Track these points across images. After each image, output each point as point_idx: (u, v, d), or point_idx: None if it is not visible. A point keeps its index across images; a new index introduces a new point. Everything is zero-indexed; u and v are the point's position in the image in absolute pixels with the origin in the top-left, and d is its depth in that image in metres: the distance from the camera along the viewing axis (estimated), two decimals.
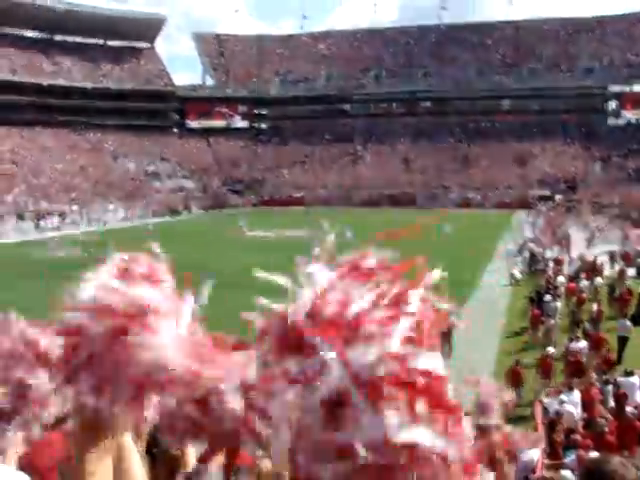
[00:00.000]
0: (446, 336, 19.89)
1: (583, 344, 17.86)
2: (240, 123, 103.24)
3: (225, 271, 34.15)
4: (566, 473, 8.57)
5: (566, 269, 30.88)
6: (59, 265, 37.53)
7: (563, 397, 13.29)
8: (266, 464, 3.07)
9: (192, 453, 2.96)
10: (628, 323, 19.90)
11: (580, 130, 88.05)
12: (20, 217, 60.91)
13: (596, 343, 18.35)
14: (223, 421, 1.42)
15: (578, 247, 38.30)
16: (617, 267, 31.21)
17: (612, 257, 34.46)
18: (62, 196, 69.33)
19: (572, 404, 13.01)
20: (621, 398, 13.38)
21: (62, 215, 64.47)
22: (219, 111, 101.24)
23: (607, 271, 30.83)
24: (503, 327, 23.49)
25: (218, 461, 2.82)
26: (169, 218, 70.98)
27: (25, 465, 2.29)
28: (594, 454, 8.91)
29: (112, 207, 70.69)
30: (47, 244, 44.65)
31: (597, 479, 2.63)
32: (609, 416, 12.37)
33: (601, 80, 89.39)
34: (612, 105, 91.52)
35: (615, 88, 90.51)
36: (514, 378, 15.91)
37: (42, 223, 60.95)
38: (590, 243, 40.51)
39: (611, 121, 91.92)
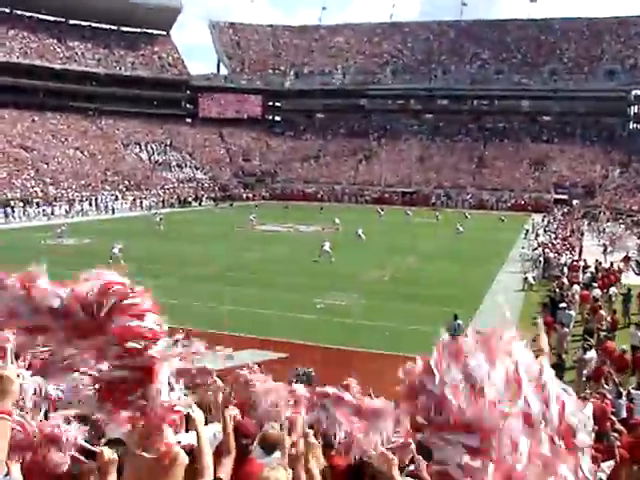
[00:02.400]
0: None
1: (593, 354, 17.35)
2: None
3: (233, 265, 33.48)
4: None
5: (580, 276, 30.10)
6: (68, 252, 37.04)
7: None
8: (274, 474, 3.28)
9: (210, 462, 3.24)
10: None
11: (600, 134, 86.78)
12: (28, 203, 60.33)
13: (606, 353, 17.86)
14: None
15: (594, 253, 37.51)
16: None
17: (626, 260, 34.33)
18: (71, 183, 68.82)
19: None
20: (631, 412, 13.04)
21: (71, 202, 63.90)
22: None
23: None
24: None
25: None
26: (179, 208, 70.45)
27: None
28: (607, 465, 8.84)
29: (121, 195, 70.18)
30: (55, 231, 44.11)
31: None
32: (623, 429, 11.64)
33: (623, 83, 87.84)
34: (634, 109, 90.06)
35: (638, 92, 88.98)
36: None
37: (50, 209, 60.41)
38: (607, 250, 39.59)
39: (632, 125, 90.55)
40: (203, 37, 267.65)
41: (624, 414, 13.06)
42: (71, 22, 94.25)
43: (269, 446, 4.72)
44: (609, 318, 21.96)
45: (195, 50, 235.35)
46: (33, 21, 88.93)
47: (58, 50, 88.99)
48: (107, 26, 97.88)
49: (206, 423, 4.39)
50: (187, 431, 5.04)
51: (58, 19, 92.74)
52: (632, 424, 12.22)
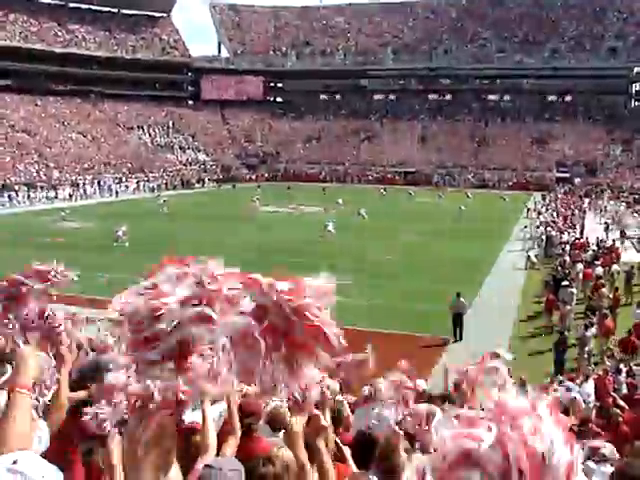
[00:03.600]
0: (457, 320, 19.49)
1: (593, 331, 17.81)
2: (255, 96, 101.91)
3: (238, 247, 33.68)
4: (589, 462, 8.28)
5: (582, 254, 30.37)
6: (74, 235, 37.36)
7: (570, 385, 13.07)
8: (283, 452, 3.21)
9: (213, 439, 3.36)
10: None
11: (602, 112, 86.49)
12: (32, 187, 60.51)
13: (606, 330, 18.30)
14: None
15: (596, 231, 37.80)
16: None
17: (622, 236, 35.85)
18: (75, 166, 68.96)
19: (581, 392, 12.76)
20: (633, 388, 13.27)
21: (74, 185, 64.08)
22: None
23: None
24: (517, 311, 23.02)
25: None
26: (182, 191, 70.59)
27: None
28: (608, 444, 8.64)
29: (125, 178, 70.31)
30: (60, 214, 44.42)
31: None
32: (625, 405, 11.95)
33: (625, 60, 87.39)
34: (636, 87, 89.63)
35: None
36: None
37: (54, 193, 60.62)
38: (609, 228, 39.80)
39: (635, 103, 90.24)
40: (204, 19, 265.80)
41: (624, 390, 13.35)
42: (71, 5, 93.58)
43: (276, 424, 4.74)
44: (611, 295, 22.24)
45: (196, 32, 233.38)
46: (33, 5, 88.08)
47: (59, 34, 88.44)
48: (107, 9, 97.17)
49: (213, 402, 4.53)
50: (193, 410, 5.18)
51: (58, 2, 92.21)
52: (635, 400, 12.52)
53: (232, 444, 3.80)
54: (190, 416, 4.47)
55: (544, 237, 35.15)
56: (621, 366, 14.66)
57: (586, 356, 17.29)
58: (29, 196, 58.34)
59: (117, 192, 65.34)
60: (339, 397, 6.58)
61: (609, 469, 8.04)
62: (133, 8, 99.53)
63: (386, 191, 65.53)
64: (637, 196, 58.24)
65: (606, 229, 39.35)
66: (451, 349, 18.52)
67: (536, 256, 31.32)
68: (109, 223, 38.91)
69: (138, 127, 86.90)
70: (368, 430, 4.61)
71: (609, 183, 68.28)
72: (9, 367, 3.96)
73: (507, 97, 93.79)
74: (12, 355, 3.05)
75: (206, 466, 2.78)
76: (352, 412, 6.63)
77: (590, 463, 8.32)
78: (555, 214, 46.37)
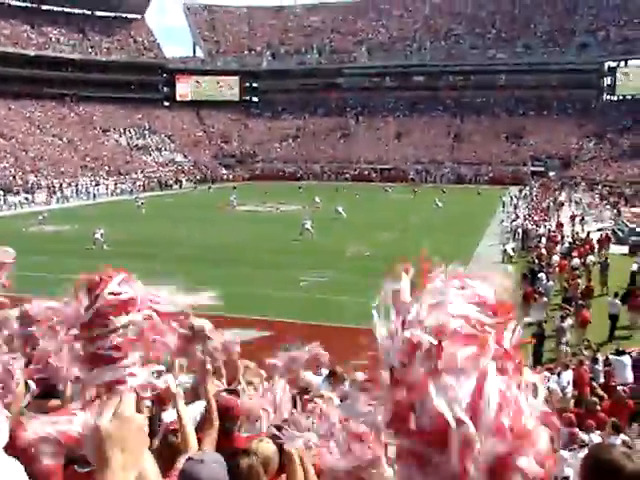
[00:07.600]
0: None
1: (570, 322, 17.99)
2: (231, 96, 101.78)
3: (216, 246, 33.80)
4: (563, 452, 8.39)
5: (558, 246, 30.78)
6: (51, 239, 37.21)
7: (548, 375, 13.29)
8: (262, 446, 3.34)
9: (193, 438, 3.29)
10: (617, 302, 19.87)
11: (575, 106, 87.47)
12: (7, 191, 60.06)
13: (582, 321, 18.63)
14: None
15: (570, 224, 38.29)
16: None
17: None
18: (51, 170, 68.54)
19: (559, 383, 12.93)
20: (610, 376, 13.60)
21: (51, 189, 63.70)
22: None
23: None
24: None
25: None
26: (160, 192, 70.44)
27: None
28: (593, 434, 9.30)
29: (102, 181, 70.00)
30: (37, 218, 44.18)
31: (596, 468, 2.48)
32: (603, 394, 12.28)
33: (596, 56, 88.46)
34: (607, 81, 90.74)
35: (611, 64, 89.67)
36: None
37: (31, 197, 60.21)
38: (583, 220, 40.31)
39: (606, 97, 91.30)
40: (178, 20, 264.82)
41: (602, 379, 13.68)
42: (44, 7, 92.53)
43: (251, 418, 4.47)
44: (584, 285, 22.59)
45: (171, 33, 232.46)
46: (4, 7, 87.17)
47: (32, 36, 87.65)
48: (81, 11, 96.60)
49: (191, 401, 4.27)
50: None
51: (30, 5, 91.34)
52: (611, 387, 12.87)
53: (209, 440, 3.62)
54: (168, 416, 4.47)
55: (520, 230, 35.55)
56: (598, 356, 15.00)
57: (563, 347, 17.55)
58: (5, 200, 57.90)
59: (94, 195, 65.00)
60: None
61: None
62: (107, 10, 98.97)
63: (358, 195, 64.15)
64: (610, 188, 59.07)
65: (581, 221, 39.78)
66: None
67: (513, 249, 31.69)
68: (87, 226, 38.74)
69: (114, 129, 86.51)
70: None
71: (583, 176, 69.20)
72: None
73: (481, 93, 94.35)
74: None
75: (189, 459, 2.80)
76: None
77: (564, 452, 8.61)
78: (531, 207, 46.91)
